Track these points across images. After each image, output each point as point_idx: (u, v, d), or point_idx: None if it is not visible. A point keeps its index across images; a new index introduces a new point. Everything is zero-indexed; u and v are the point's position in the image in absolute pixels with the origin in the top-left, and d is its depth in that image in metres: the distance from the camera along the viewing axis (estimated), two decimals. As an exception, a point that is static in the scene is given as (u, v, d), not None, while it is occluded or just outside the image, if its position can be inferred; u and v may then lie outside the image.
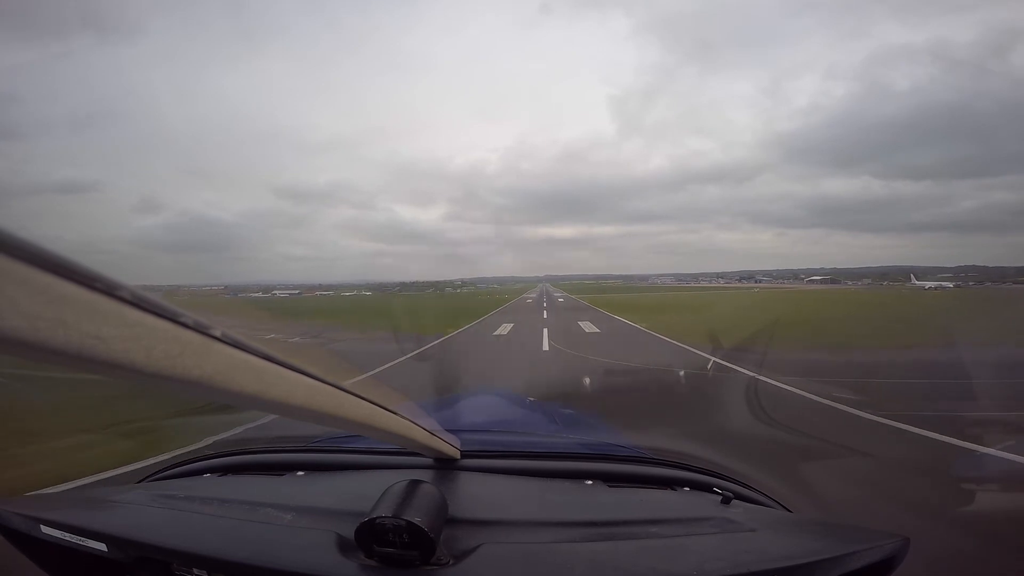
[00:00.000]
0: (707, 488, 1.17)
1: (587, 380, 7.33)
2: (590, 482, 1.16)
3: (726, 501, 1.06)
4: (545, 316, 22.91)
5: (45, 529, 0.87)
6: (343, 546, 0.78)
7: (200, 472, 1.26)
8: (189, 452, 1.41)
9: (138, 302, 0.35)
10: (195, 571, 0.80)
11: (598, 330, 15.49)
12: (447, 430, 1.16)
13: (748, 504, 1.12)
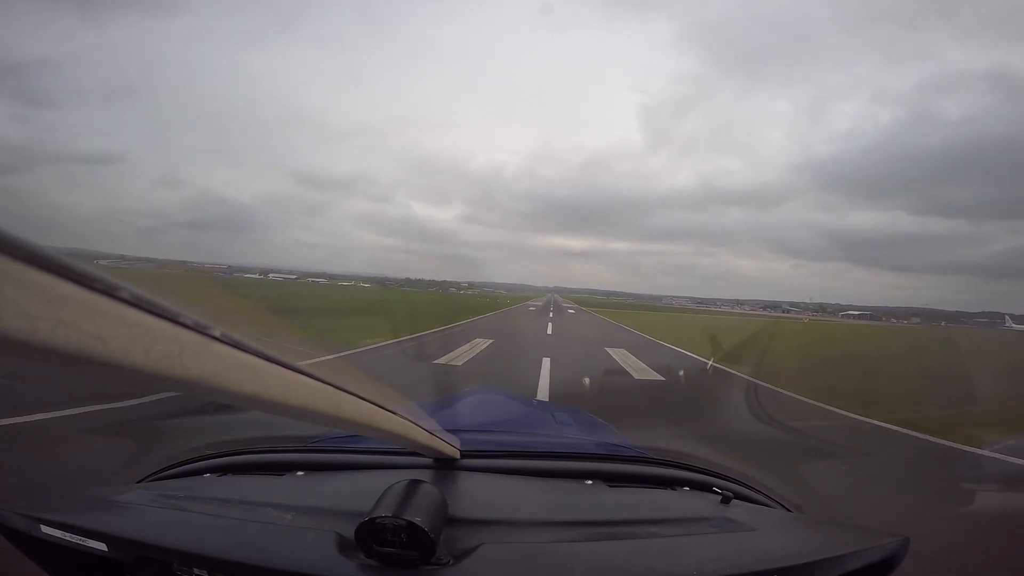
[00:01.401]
0: (707, 488, 1.15)
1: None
2: (590, 482, 1.14)
3: (726, 501, 1.04)
4: (549, 332, 15.33)
5: (45, 529, 0.86)
6: (343, 546, 0.77)
7: (200, 472, 1.23)
8: (189, 452, 1.34)
9: (137, 302, 0.35)
10: (195, 571, 0.78)
11: (660, 377, 7.55)
12: (447, 430, 1.14)
13: (748, 504, 1.10)
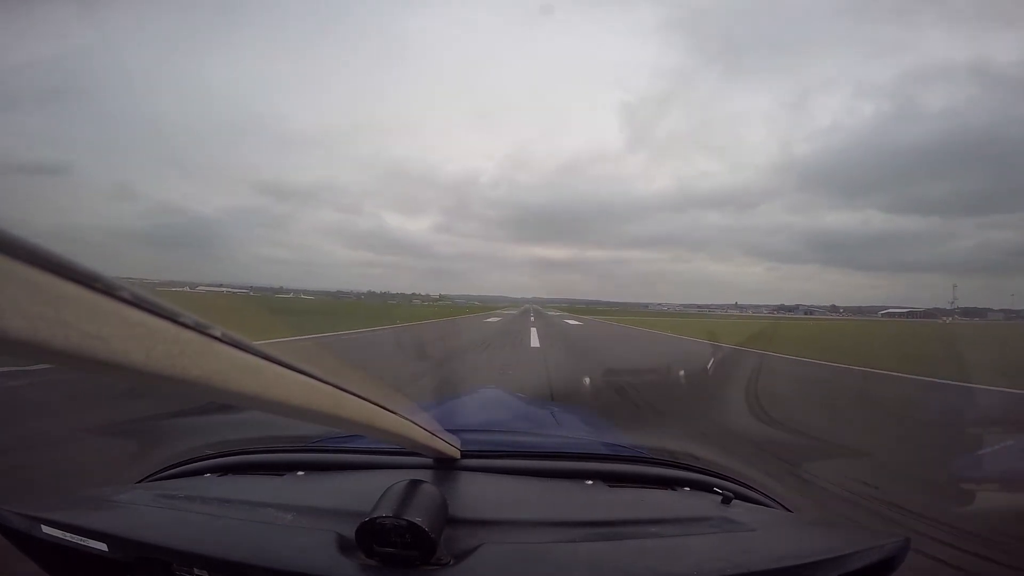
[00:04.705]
0: (707, 488, 1.15)
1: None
2: (590, 482, 1.14)
3: (726, 501, 1.05)
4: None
5: (45, 529, 0.86)
6: (343, 546, 0.77)
7: (200, 472, 1.24)
8: (189, 452, 1.34)
9: (138, 302, 0.35)
10: (195, 571, 0.78)
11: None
12: (447, 430, 1.14)
13: (748, 504, 1.10)
